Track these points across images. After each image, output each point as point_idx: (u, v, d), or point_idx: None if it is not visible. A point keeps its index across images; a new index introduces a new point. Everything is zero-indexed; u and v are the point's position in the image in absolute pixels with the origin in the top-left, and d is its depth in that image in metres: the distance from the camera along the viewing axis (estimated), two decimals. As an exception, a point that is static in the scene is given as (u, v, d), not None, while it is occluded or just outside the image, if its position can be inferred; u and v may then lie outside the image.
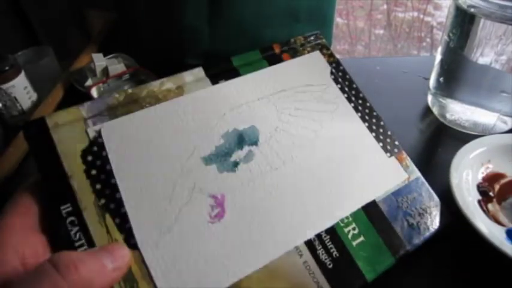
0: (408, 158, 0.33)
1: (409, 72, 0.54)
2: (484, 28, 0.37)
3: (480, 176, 0.36)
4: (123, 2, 0.55)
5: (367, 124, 0.33)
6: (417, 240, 0.29)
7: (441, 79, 0.43)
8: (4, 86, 0.46)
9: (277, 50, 0.35)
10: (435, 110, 0.46)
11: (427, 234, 0.30)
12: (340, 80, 0.35)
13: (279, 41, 0.35)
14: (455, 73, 0.42)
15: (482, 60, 0.39)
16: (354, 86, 0.35)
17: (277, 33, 0.49)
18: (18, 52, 0.53)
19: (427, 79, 0.47)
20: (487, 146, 0.37)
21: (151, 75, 0.50)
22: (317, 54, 0.35)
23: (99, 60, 0.50)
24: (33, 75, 0.50)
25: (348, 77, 0.35)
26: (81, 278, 0.20)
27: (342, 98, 0.34)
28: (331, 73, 0.35)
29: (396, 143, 0.33)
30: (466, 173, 0.35)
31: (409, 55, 1.16)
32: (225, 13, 0.48)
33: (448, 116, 0.44)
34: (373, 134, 0.33)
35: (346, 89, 0.34)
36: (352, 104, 0.34)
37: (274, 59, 0.34)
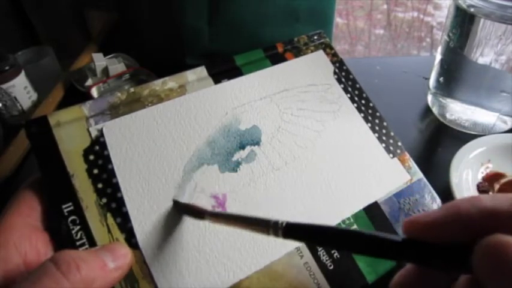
0: (411, 159, 0.32)
1: (409, 72, 0.54)
2: (484, 28, 0.37)
3: (480, 176, 0.36)
4: (124, 2, 0.55)
5: (370, 125, 0.33)
6: None
7: (441, 79, 0.43)
8: (4, 86, 0.46)
9: (280, 49, 0.34)
10: (435, 110, 0.46)
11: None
12: (343, 79, 0.34)
13: (280, 41, 0.35)
14: (455, 73, 0.42)
15: (482, 60, 0.39)
16: (357, 86, 0.34)
17: (277, 33, 0.49)
18: (18, 52, 0.53)
19: (427, 79, 0.47)
20: (486, 145, 0.38)
21: (151, 75, 0.50)
22: (320, 53, 0.35)
23: (99, 60, 0.50)
24: (33, 75, 0.50)
25: (351, 76, 0.35)
26: (82, 276, 0.20)
27: (345, 98, 0.33)
28: (335, 73, 0.34)
29: (399, 144, 0.33)
30: (466, 172, 0.35)
31: (409, 55, 1.16)
32: (225, 13, 0.48)
33: (448, 115, 0.44)
34: (376, 134, 0.33)
35: (350, 89, 0.34)
36: (355, 104, 0.33)
37: (277, 58, 0.34)
